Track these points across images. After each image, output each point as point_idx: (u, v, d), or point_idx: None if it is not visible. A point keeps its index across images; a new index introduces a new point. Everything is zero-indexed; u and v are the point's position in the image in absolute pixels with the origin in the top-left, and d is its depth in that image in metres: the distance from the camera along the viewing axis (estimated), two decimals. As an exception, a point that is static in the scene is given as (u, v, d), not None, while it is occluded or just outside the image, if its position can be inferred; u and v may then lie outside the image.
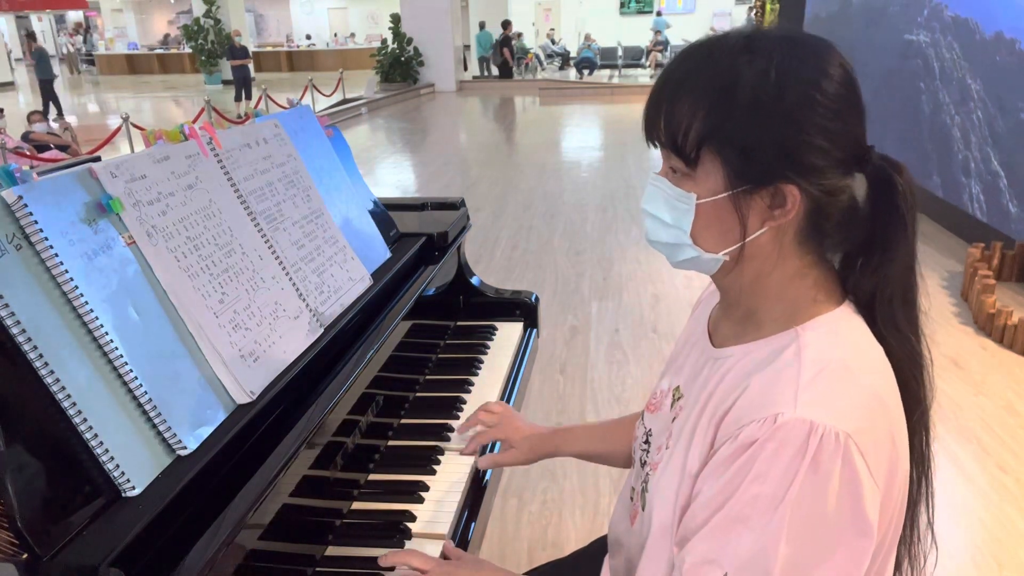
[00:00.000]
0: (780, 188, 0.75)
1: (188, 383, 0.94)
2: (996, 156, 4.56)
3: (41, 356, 0.80)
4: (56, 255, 0.85)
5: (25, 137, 7.90)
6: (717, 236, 0.79)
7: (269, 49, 24.74)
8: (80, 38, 26.24)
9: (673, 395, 0.92)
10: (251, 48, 16.75)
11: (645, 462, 0.94)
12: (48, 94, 13.70)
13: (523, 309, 1.89)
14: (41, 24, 26.83)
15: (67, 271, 0.85)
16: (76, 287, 0.85)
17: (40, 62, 13.76)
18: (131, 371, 0.87)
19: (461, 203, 1.91)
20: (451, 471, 1.30)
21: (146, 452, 0.86)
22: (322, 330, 1.20)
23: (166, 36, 25.27)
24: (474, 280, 1.90)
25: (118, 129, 8.38)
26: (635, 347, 3.57)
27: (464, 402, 1.52)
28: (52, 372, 0.80)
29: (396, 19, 15.80)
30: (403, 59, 15.72)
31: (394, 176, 7.85)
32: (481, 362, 1.68)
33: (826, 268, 0.82)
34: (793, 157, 0.74)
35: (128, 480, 0.82)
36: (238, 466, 0.93)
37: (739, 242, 0.78)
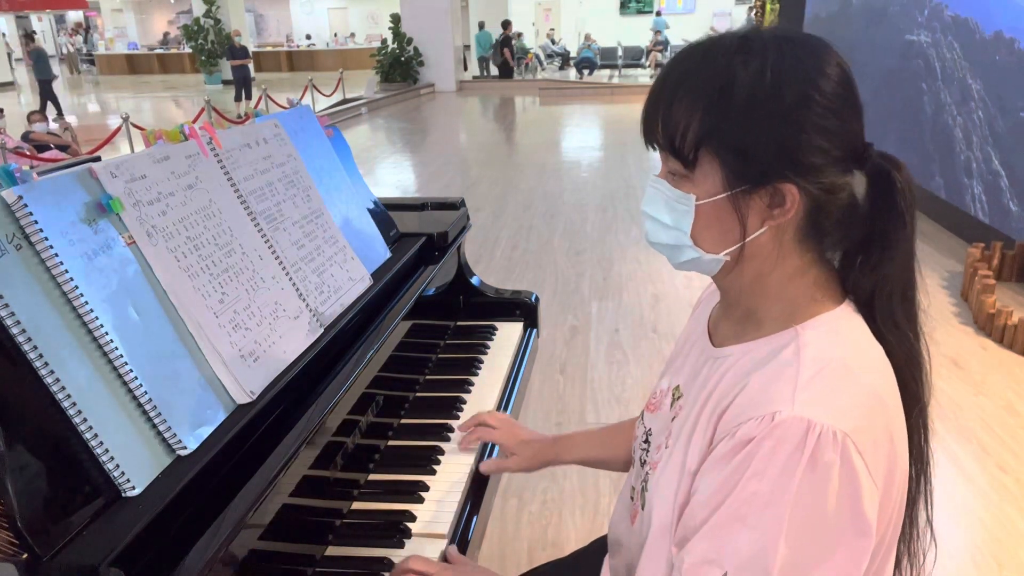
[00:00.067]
0: (779, 187, 0.75)
1: (188, 383, 0.94)
2: (997, 156, 4.56)
3: (41, 356, 0.80)
4: (56, 255, 0.85)
5: (25, 137, 7.90)
6: (717, 237, 0.79)
7: (269, 49, 24.73)
8: (80, 38, 26.25)
9: (673, 394, 0.92)
10: (251, 48, 16.75)
11: (645, 461, 0.94)
12: (47, 94, 13.70)
13: (523, 309, 1.90)
14: (41, 24, 26.84)
15: (67, 271, 0.85)
16: (76, 287, 0.85)
17: (38, 62, 13.75)
18: (131, 371, 0.87)
19: (461, 203, 1.91)
20: (451, 471, 1.30)
21: (146, 452, 0.86)
22: (322, 330, 1.20)
23: (165, 35, 25.27)
24: (474, 280, 1.90)
25: (118, 129, 8.38)
26: (635, 347, 3.57)
27: (464, 402, 1.52)
28: (52, 372, 0.80)
29: (396, 19, 15.80)
30: (403, 59, 15.72)
31: (394, 176, 7.85)
32: (481, 362, 1.68)
33: (826, 267, 0.82)
34: (791, 156, 0.74)
35: (128, 480, 0.82)
36: (238, 466, 0.93)
37: (739, 242, 0.78)
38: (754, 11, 13.75)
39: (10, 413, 0.76)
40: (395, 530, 1.14)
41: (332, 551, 1.12)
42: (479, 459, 1.34)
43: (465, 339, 1.78)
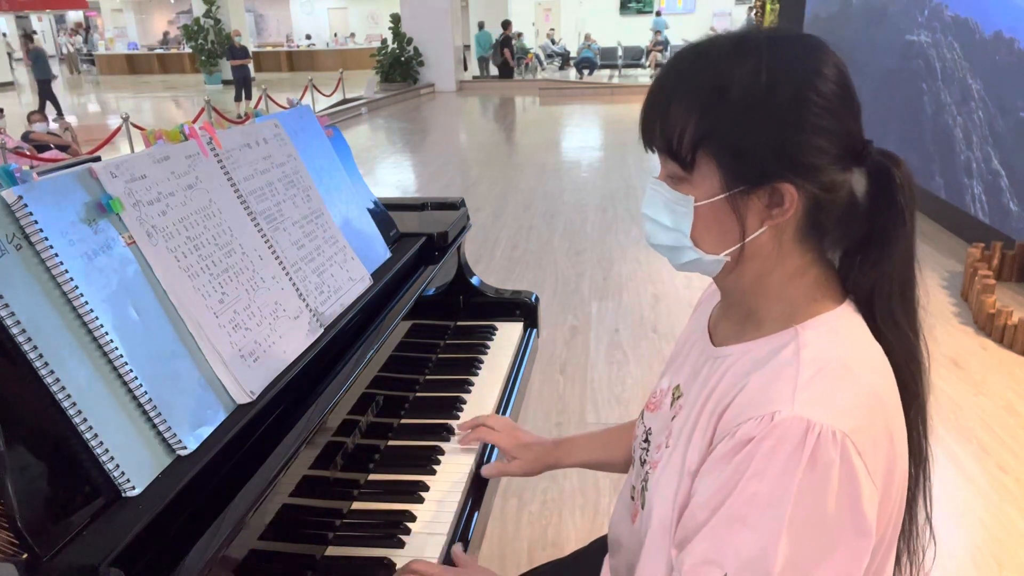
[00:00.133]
0: (777, 188, 0.75)
1: (188, 383, 0.94)
2: (996, 155, 4.56)
3: (41, 356, 0.80)
4: (56, 255, 0.85)
5: (25, 137, 7.90)
6: (717, 237, 0.79)
7: (269, 49, 24.73)
8: (80, 38, 26.25)
9: (673, 394, 0.92)
10: (251, 48, 16.74)
11: (645, 460, 0.94)
12: (46, 94, 13.70)
13: (523, 309, 1.90)
14: (41, 24, 26.85)
15: (67, 271, 0.85)
16: (76, 287, 0.85)
17: (37, 62, 13.75)
18: (131, 371, 0.87)
19: (461, 203, 1.91)
20: (451, 471, 1.30)
21: (146, 452, 0.86)
22: (322, 330, 1.20)
23: (165, 35, 25.27)
24: (474, 280, 1.90)
25: (118, 129, 8.38)
26: (635, 347, 3.57)
27: (464, 402, 1.52)
28: (52, 372, 0.80)
29: (396, 19, 15.80)
30: (403, 59, 15.72)
31: (394, 176, 7.85)
32: (481, 362, 1.68)
33: (826, 266, 0.82)
34: (788, 156, 0.74)
35: (128, 480, 0.82)
36: (238, 466, 0.93)
37: (739, 243, 0.79)
38: (754, 11, 13.75)
39: (10, 413, 0.76)
40: (395, 530, 1.14)
41: (332, 551, 1.12)
42: (479, 459, 1.34)
43: (465, 339, 1.78)
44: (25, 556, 0.71)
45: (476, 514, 1.25)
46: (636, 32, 20.72)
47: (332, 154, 1.52)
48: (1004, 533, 2.26)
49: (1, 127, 7.97)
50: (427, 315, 1.66)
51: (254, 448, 0.97)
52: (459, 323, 1.86)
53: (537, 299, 1.91)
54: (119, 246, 0.94)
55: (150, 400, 0.88)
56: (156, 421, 0.88)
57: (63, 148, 7.95)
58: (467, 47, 18.99)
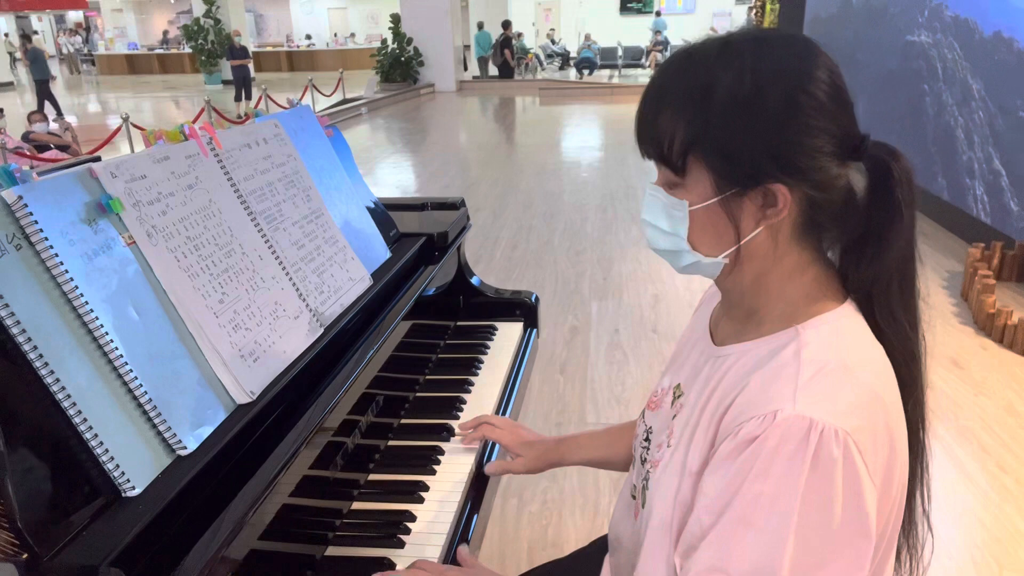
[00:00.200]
0: (769, 188, 0.75)
1: (188, 383, 0.94)
2: (997, 155, 4.56)
3: (41, 356, 0.80)
4: (56, 255, 0.85)
5: (25, 137, 7.90)
6: (713, 240, 0.80)
7: (269, 49, 24.74)
8: (80, 38, 26.25)
9: (674, 393, 0.93)
10: (251, 48, 16.75)
11: (645, 459, 0.94)
12: (44, 94, 13.70)
13: (523, 309, 1.90)
14: (41, 24, 26.85)
15: (67, 271, 0.85)
16: (76, 287, 0.85)
17: (35, 62, 13.76)
18: (131, 371, 0.87)
19: (461, 203, 1.91)
20: (451, 471, 1.30)
21: (146, 452, 0.86)
22: (322, 330, 1.20)
23: (165, 35, 25.27)
24: (474, 280, 1.90)
25: (118, 129, 8.38)
26: (635, 347, 3.57)
27: (464, 402, 1.52)
28: (52, 372, 0.80)
29: (396, 19, 15.80)
30: (403, 59, 15.72)
31: (394, 176, 7.85)
32: (481, 362, 1.68)
33: (826, 265, 0.82)
34: (777, 157, 0.74)
35: (128, 480, 0.82)
36: (238, 466, 0.93)
37: (735, 244, 0.79)
38: (754, 11, 13.73)
39: (10, 413, 0.76)
40: (395, 530, 1.14)
41: (332, 551, 1.12)
42: (479, 459, 1.34)
43: (465, 339, 1.78)
44: (25, 556, 0.71)
45: (476, 514, 1.25)
46: (636, 32, 20.73)
47: (332, 154, 1.52)
48: (1004, 533, 2.26)
49: (1, 127, 7.97)
50: (427, 315, 1.66)
51: (254, 448, 0.97)
52: (459, 323, 1.86)
53: (537, 299, 1.91)
54: (119, 246, 0.94)
55: (150, 400, 0.88)
56: (156, 421, 0.88)
57: (63, 148, 7.95)
58: (467, 47, 19.00)
